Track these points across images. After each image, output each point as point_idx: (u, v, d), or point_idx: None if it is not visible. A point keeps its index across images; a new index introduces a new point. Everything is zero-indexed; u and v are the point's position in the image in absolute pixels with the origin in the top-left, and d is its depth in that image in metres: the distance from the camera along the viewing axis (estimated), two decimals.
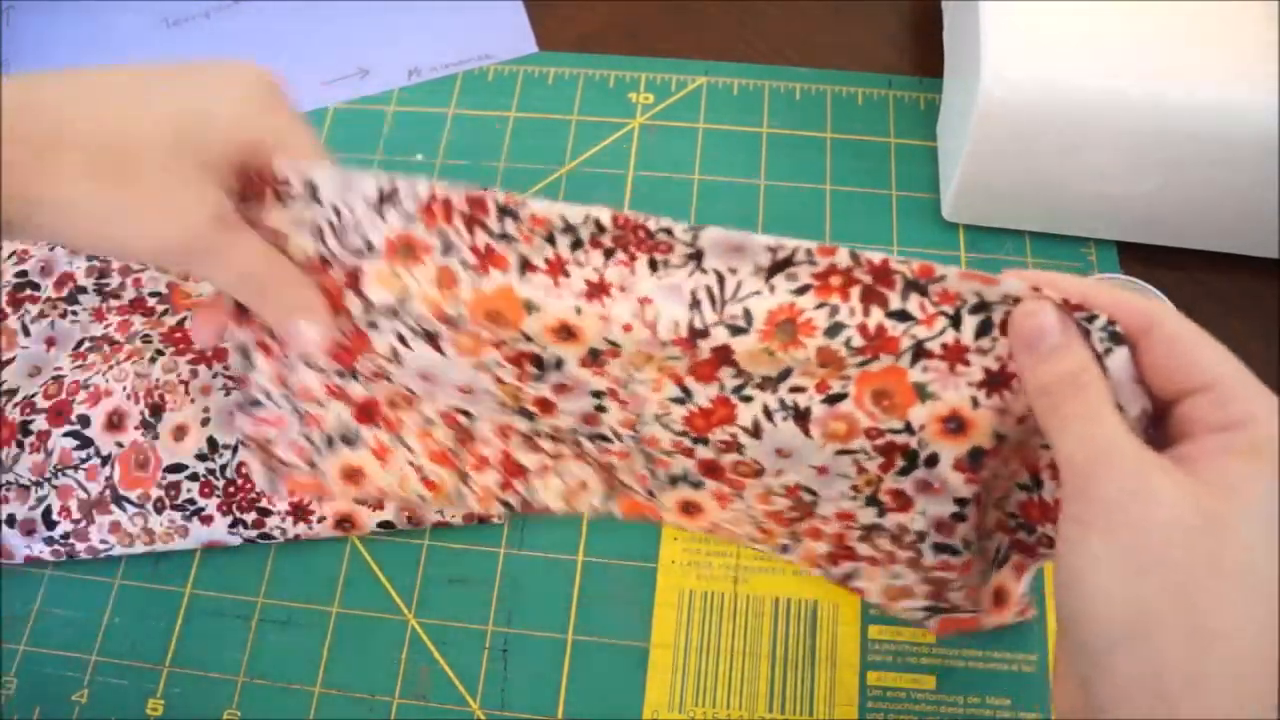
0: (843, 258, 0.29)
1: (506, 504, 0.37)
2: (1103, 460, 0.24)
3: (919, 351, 0.29)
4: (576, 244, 0.31)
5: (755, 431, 0.32)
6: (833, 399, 0.31)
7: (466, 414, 0.36)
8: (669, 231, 0.30)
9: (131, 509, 0.40)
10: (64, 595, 0.41)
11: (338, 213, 0.31)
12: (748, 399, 0.31)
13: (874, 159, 0.50)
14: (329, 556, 0.41)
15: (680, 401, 0.32)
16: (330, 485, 0.37)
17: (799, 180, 0.49)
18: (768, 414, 0.31)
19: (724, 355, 0.30)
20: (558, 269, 0.31)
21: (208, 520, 0.40)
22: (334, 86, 0.54)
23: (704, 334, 0.30)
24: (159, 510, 0.40)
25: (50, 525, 0.40)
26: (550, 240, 0.31)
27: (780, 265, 0.30)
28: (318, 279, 0.32)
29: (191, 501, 0.40)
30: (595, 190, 0.49)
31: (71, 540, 0.40)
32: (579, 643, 0.39)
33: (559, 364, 0.32)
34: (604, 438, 0.35)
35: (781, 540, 0.37)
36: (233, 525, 0.40)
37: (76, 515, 0.40)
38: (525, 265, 0.31)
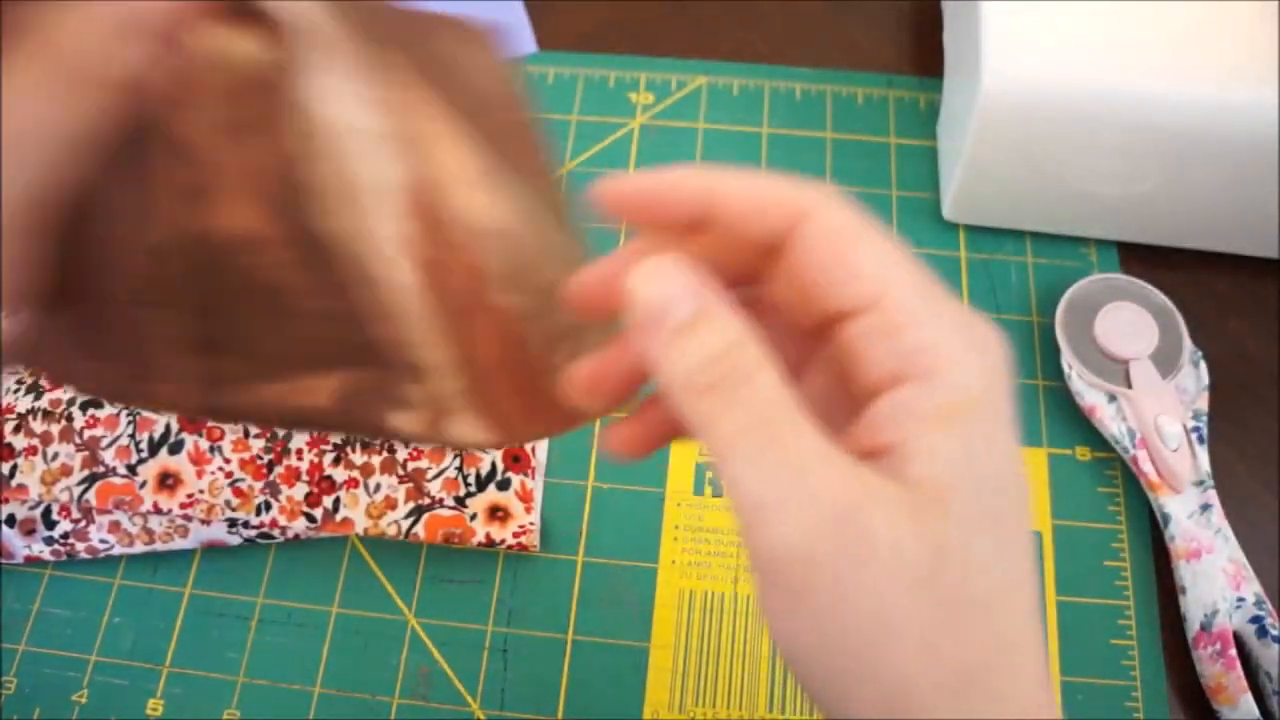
0: None
1: None
2: (801, 507, 0.17)
3: None
4: None
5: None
6: None
7: None
8: None
9: None
10: (64, 595, 0.41)
11: None
12: None
13: (874, 159, 0.50)
14: (329, 556, 0.41)
15: None
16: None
17: None
18: None
19: None
20: None
21: (208, 520, 0.40)
22: None
23: None
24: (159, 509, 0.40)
25: (50, 525, 0.40)
26: None
27: None
28: None
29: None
30: None
31: (71, 540, 0.40)
32: (579, 643, 0.39)
33: None
34: None
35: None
36: (232, 525, 0.40)
37: (76, 515, 0.40)
38: None
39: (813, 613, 0.18)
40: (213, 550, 0.41)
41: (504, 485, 0.40)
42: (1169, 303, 0.42)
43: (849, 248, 0.19)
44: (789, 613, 0.18)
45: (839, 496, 0.17)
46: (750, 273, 0.21)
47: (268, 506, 0.39)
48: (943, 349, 0.18)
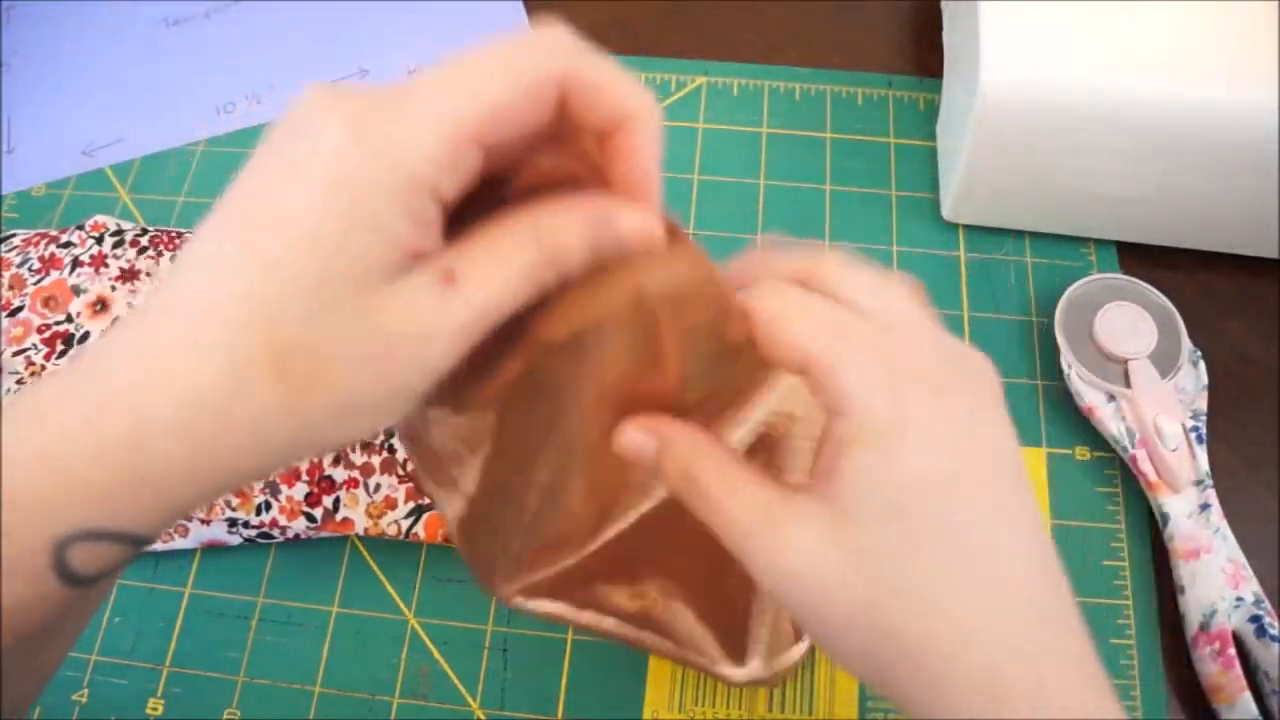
0: None
1: None
2: (746, 540, 0.23)
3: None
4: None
5: None
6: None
7: None
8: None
9: None
10: None
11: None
12: None
13: (874, 159, 0.50)
14: (329, 556, 0.41)
15: None
16: None
17: (799, 180, 0.49)
18: None
19: None
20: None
21: (208, 520, 0.40)
22: None
23: None
24: None
25: None
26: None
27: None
28: None
29: None
30: None
31: None
32: (579, 643, 0.39)
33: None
34: None
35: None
36: (232, 525, 0.40)
37: None
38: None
39: (795, 609, 0.23)
40: (213, 550, 0.41)
41: None
42: (1168, 303, 0.42)
43: (781, 327, 0.23)
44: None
45: (765, 525, 0.23)
46: None
47: (268, 506, 0.39)
48: (857, 390, 0.22)
